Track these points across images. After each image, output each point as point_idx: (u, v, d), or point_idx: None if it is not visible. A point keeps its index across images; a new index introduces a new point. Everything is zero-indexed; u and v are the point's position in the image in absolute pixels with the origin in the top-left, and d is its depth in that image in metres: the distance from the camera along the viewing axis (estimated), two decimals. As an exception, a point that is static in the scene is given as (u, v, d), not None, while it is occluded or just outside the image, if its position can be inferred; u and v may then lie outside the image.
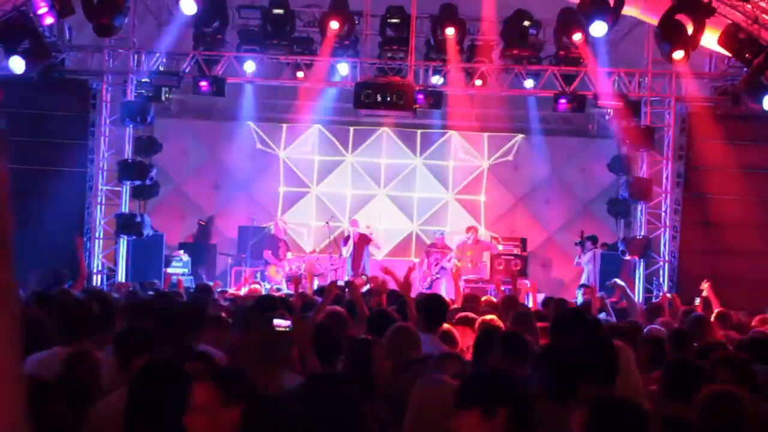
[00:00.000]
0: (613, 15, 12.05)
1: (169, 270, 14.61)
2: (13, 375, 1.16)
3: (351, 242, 15.41)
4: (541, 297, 11.78)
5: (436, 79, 14.78)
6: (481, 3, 14.72)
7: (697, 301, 10.79)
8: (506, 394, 3.05)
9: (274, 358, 3.96)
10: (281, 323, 4.53)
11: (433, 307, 6.20)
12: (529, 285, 12.42)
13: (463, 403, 3.06)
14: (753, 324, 8.50)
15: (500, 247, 16.14)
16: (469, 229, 15.93)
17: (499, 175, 17.81)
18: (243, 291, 11.85)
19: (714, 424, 3.35)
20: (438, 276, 15.15)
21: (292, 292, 11.34)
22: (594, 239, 15.94)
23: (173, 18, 14.56)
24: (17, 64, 12.95)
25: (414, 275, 12.11)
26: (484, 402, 3.03)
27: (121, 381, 3.93)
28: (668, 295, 13.45)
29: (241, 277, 14.40)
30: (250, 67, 14.73)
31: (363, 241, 15.48)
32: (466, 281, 15.18)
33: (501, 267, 15.78)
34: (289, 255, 15.42)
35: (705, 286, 10.33)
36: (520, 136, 17.64)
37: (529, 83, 14.90)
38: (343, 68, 14.88)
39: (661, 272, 15.05)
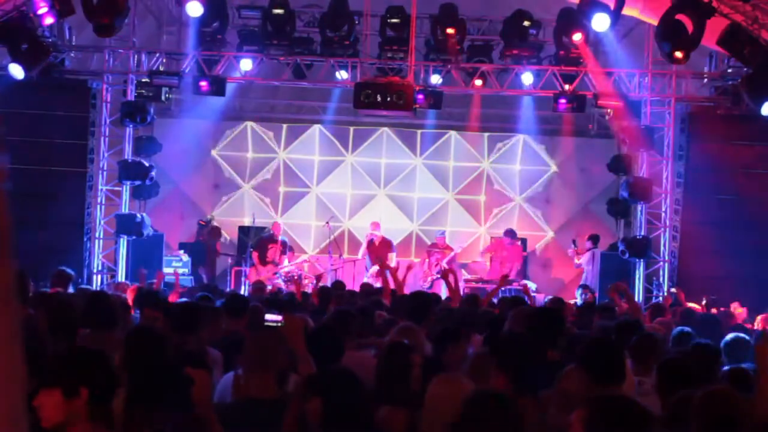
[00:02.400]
0: (613, 15, 12.07)
1: (165, 269, 14.57)
2: (14, 373, 1.17)
3: (364, 245, 15.38)
4: (540, 297, 11.80)
5: (436, 79, 14.79)
6: (481, 3, 14.72)
7: (704, 301, 10.84)
8: (87, 374, 3.03)
9: (267, 362, 3.94)
10: (273, 318, 4.52)
11: (417, 304, 6.34)
12: (527, 285, 12.44)
13: (45, 382, 3.05)
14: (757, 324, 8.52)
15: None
16: (510, 232, 15.89)
17: (499, 175, 17.81)
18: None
19: (709, 424, 3.35)
20: (439, 276, 15.14)
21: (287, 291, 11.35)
22: (595, 239, 15.93)
23: (173, 18, 14.57)
24: (17, 71, 12.98)
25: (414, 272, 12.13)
26: (64, 381, 3.02)
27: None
28: (673, 289, 13.49)
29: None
30: (247, 65, 14.69)
31: (385, 247, 15.34)
32: (466, 281, 15.19)
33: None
34: (285, 262, 15.30)
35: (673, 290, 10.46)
36: (520, 136, 17.64)
37: (528, 83, 14.90)
38: (343, 75, 14.88)
39: (661, 272, 15.05)
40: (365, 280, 14.78)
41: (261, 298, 8.83)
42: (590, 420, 2.97)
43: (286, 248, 15.62)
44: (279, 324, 4.42)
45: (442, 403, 3.55)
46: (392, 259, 15.00)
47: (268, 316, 4.58)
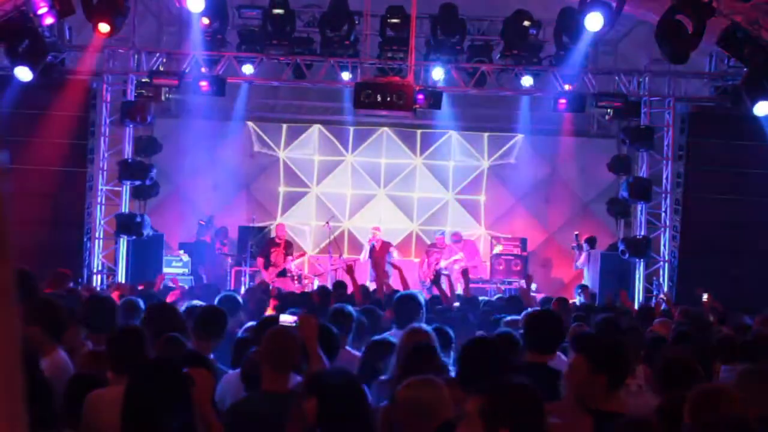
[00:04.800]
0: (613, 15, 12.06)
1: (165, 270, 14.57)
2: (13, 375, 1.17)
3: (366, 249, 15.35)
4: (540, 297, 11.78)
5: (436, 79, 14.79)
6: (481, 3, 14.73)
7: (705, 297, 10.89)
8: None
9: (283, 360, 4.03)
10: (287, 319, 4.55)
11: (404, 305, 6.39)
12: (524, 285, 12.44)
13: None
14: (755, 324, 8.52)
15: (500, 247, 16.15)
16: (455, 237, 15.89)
17: (499, 175, 17.81)
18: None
19: (704, 422, 3.35)
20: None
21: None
22: (592, 241, 15.93)
23: (173, 18, 14.57)
24: (24, 74, 12.98)
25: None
26: None
27: (115, 381, 4.00)
28: (662, 296, 13.56)
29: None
30: (248, 69, 14.73)
31: (383, 250, 15.30)
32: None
33: (501, 267, 15.78)
34: (292, 265, 15.28)
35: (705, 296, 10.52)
36: (520, 136, 17.64)
37: (528, 83, 14.90)
38: (345, 76, 14.88)
39: (661, 272, 15.06)
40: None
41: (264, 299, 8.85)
42: (486, 407, 2.86)
43: (291, 249, 15.50)
44: (294, 324, 4.46)
45: (417, 407, 3.54)
46: (387, 261, 15.00)
47: (282, 317, 4.61)
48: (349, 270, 9.55)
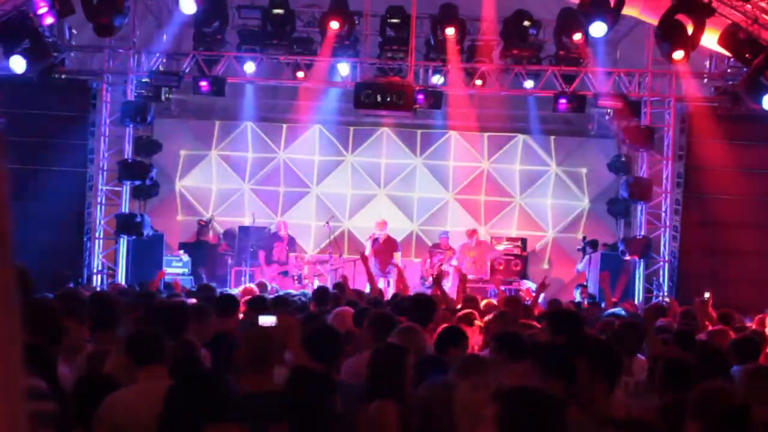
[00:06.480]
0: (613, 15, 12.08)
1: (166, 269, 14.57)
2: (14, 375, 1.17)
3: (369, 244, 15.27)
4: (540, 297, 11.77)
5: (436, 79, 14.78)
6: (481, 3, 14.73)
7: (707, 295, 10.86)
8: None
9: (263, 360, 4.04)
10: (266, 320, 4.55)
11: (421, 306, 6.37)
12: (526, 286, 12.46)
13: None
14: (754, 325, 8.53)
15: (500, 247, 16.15)
16: (470, 233, 15.85)
17: (499, 175, 17.81)
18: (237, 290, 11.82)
19: (704, 420, 3.34)
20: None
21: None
22: (594, 244, 15.92)
23: (173, 18, 14.60)
24: (18, 64, 12.96)
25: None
26: None
27: (131, 379, 4.02)
28: (667, 299, 13.56)
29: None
30: (250, 68, 14.74)
31: (390, 246, 15.26)
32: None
33: (501, 267, 15.77)
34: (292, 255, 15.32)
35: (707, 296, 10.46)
36: (520, 136, 17.64)
37: (529, 83, 14.90)
38: (344, 68, 14.89)
39: (661, 272, 15.05)
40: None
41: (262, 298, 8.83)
42: (502, 414, 2.78)
43: (294, 245, 15.56)
44: (273, 325, 4.47)
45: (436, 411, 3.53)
46: (397, 259, 15.00)
47: (261, 318, 4.61)
48: (363, 259, 9.77)
